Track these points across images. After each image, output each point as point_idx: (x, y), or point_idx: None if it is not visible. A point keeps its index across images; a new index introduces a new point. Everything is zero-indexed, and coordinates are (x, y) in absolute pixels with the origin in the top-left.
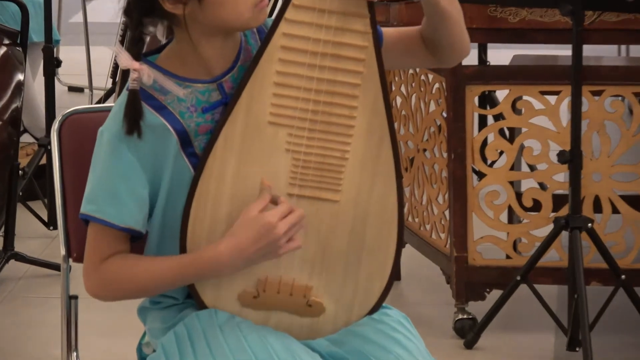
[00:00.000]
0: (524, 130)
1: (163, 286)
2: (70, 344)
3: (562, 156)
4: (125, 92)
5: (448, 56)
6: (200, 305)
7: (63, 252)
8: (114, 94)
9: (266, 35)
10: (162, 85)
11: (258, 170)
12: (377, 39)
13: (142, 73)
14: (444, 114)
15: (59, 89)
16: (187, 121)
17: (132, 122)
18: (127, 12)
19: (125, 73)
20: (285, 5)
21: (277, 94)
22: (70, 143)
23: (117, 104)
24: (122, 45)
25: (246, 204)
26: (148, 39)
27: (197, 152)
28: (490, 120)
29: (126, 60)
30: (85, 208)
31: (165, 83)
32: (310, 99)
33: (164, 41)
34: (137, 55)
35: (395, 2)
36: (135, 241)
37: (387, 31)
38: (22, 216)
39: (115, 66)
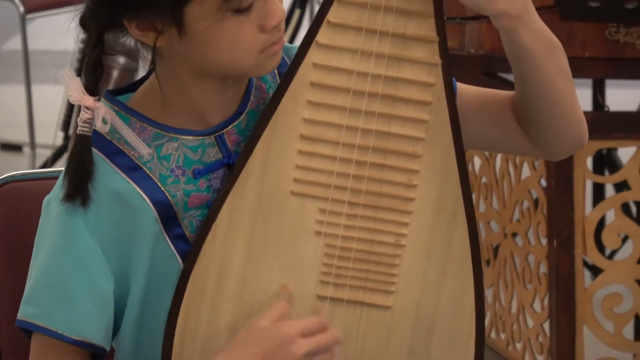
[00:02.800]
0: None
1: None
2: None
3: None
4: None
5: (548, 141)
6: None
7: None
8: (65, 153)
9: (290, 68)
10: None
11: (275, 261)
12: (449, 73)
13: (98, 113)
14: (543, 183)
15: None
16: (172, 188)
17: (76, 183)
18: (82, 22)
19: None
20: (317, 24)
21: (305, 152)
22: (4, 222)
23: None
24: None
25: (256, 310)
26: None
27: (186, 233)
28: (609, 191)
29: (76, 93)
30: (24, 312)
31: (124, 131)
32: (351, 160)
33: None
34: (92, 87)
35: (473, 19)
36: None
37: (462, 87)
38: None
39: (68, 113)
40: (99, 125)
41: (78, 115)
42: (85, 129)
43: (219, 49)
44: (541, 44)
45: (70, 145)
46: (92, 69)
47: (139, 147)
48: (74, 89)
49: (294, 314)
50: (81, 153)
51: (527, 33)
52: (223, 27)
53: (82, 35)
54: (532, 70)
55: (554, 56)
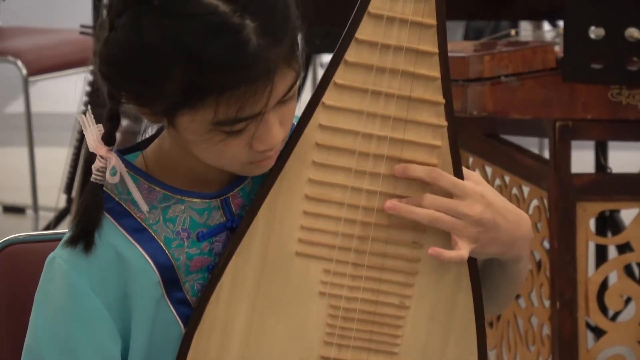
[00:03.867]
0: None
1: None
2: None
3: None
4: None
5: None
6: None
7: None
8: (68, 216)
9: (295, 129)
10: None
11: (279, 322)
12: (455, 136)
13: (109, 163)
14: (546, 244)
15: None
16: (175, 252)
17: (82, 228)
18: (105, 76)
19: (86, 180)
20: (323, 86)
21: (310, 213)
22: (9, 285)
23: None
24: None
25: None
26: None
27: (187, 297)
28: (612, 252)
29: (93, 141)
30: None
31: (129, 184)
32: (356, 221)
33: None
34: (108, 137)
35: (476, 81)
36: None
37: None
38: None
39: (71, 176)
40: (108, 176)
41: (81, 178)
42: (98, 177)
43: (205, 154)
44: (523, 270)
45: (73, 207)
46: (108, 118)
47: (140, 202)
48: (91, 135)
49: None
50: (91, 200)
51: (519, 265)
52: (211, 139)
53: (87, 88)
54: (503, 282)
55: (523, 277)
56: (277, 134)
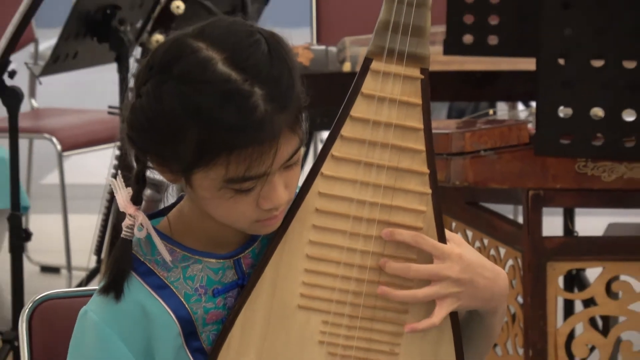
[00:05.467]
0: (621, 319)
1: None
2: None
3: None
4: None
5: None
6: None
7: None
8: (98, 275)
9: (297, 196)
10: (164, 259)
11: None
12: (439, 202)
13: (136, 221)
14: (520, 299)
15: (29, 269)
16: (194, 306)
17: (115, 278)
18: (131, 139)
19: (114, 243)
20: (322, 157)
21: (310, 270)
22: (43, 337)
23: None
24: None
25: None
26: (149, 192)
27: (204, 346)
28: (578, 306)
29: (123, 201)
30: None
31: (158, 244)
32: (351, 278)
33: None
34: (135, 197)
35: (458, 156)
36: None
37: None
38: None
39: (101, 240)
40: (135, 231)
41: (110, 240)
42: (127, 233)
43: (216, 211)
44: (498, 324)
45: (103, 267)
46: (135, 181)
47: (164, 253)
48: (121, 196)
49: None
50: (121, 254)
51: (496, 317)
52: (222, 196)
53: (117, 153)
54: (479, 335)
55: (498, 330)
56: (282, 194)
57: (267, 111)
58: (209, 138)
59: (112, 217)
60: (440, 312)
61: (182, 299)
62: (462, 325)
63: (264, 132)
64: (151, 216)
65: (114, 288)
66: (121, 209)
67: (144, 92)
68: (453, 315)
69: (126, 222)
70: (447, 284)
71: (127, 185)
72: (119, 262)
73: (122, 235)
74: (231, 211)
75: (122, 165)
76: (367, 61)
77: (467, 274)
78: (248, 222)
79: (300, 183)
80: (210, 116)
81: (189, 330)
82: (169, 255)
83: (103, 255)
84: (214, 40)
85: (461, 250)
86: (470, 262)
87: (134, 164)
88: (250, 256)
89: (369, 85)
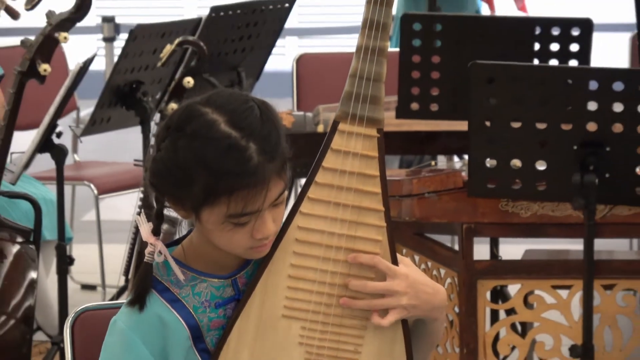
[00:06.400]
0: (535, 324)
1: None
2: None
3: (574, 351)
4: None
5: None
6: None
7: None
8: (126, 291)
9: (281, 229)
10: (177, 279)
11: None
12: (392, 233)
13: (155, 248)
14: (456, 309)
15: (72, 287)
16: (200, 316)
17: (139, 293)
18: (152, 184)
19: (138, 266)
20: (300, 198)
21: (292, 287)
22: (83, 340)
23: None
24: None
25: None
26: (165, 227)
27: (208, 347)
28: (502, 314)
29: (146, 233)
30: None
31: (173, 267)
32: (324, 292)
33: None
34: (156, 230)
35: (407, 197)
36: None
37: None
38: None
39: (129, 263)
40: (155, 257)
41: (137, 264)
42: (149, 258)
43: (219, 240)
44: (438, 332)
45: (130, 285)
46: (155, 217)
47: (178, 273)
48: (144, 229)
49: None
50: (145, 275)
51: (437, 324)
52: (224, 229)
53: (140, 196)
54: (423, 341)
55: (439, 338)
56: (271, 227)
57: (260, 161)
58: (214, 182)
59: (137, 246)
60: (390, 318)
61: (191, 310)
62: (411, 330)
63: (257, 177)
64: (167, 245)
65: (138, 301)
66: (144, 239)
67: (163, 147)
68: (404, 322)
69: (148, 249)
70: (397, 297)
71: (148, 221)
72: (143, 281)
73: (145, 260)
74: (231, 240)
75: (144, 205)
76: (335, 123)
77: (412, 290)
78: (243, 249)
79: (284, 219)
80: (215, 165)
81: (196, 335)
82: (182, 276)
83: (130, 275)
84: (217, 106)
85: (408, 271)
86: (415, 280)
87: (154, 204)
88: (244, 276)
89: (337, 142)
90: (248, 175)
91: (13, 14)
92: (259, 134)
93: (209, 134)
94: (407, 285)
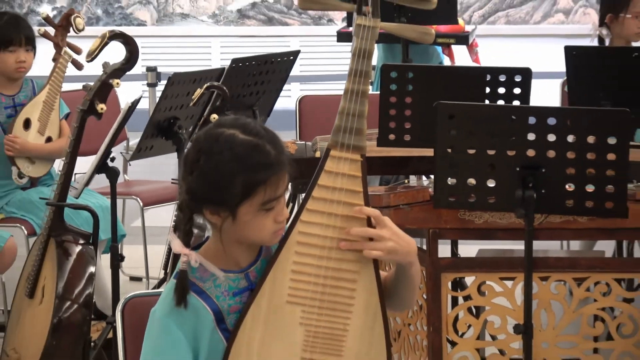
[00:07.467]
0: (487, 308)
1: None
2: None
3: (517, 329)
4: (172, 281)
5: (396, 305)
6: None
7: None
8: (165, 282)
9: (286, 232)
10: (201, 275)
11: (279, 341)
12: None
13: (191, 257)
14: (425, 296)
15: (122, 279)
16: (221, 303)
17: (181, 295)
18: (180, 208)
19: (174, 263)
20: (300, 209)
21: (294, 279)
22: (131, 320)
23: (165, 290)
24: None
25: None
26: (196, 232)
27: (228, 327)
28: (460, 300)
29: (179, 247)
30: None
31: (209, 267)
32: (319, 283)
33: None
34: (187, 243)
35: (386, 208)
36: None
37: None
38: None
39: (167, 259)
40: (192, 263)
41: (173, 261)
42: (184, 266)
43: (252, 230)
44: (416, 275)
45: (168, 277)
46: (186, 233)
47: (217, 273)
48: (176, 243)
49: None
50: (182, 279)
51: (413, 269)
52: (256, 217)
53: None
54: (406, 285)
55: (417, 281)
56: (286, 212)
57: (275, 154)
58: (251, 177)
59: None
60: (377, 254)
61: (214, 299)
62: (393, 280)
63: (279, 166)
64: (198, 245)
65: (182, 300)
66: (176, 252)
67: (197, 167)
68: (382, 306)
69: (182, 258)
70: (383, 242)
71: (183, 229)
72: (182, 284)
73: (180, 268)
74: (262, 227)
75: (176, 227)
76: (328, 150)
77: (395, 237)
78: (269, 234)
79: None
80: (248, 163)
81: (219, 318)
82: (220, 272)
83: (168, 269)
84: (228, 125)
85: (391, 224)
86: (396, 231)
87: (184, 226)
88: (255, 271)
89: (329, 165)
90: (272, 166)
91: (77, 66)
92: (266, 136)
93: (235, 142)
94: (392, 234)
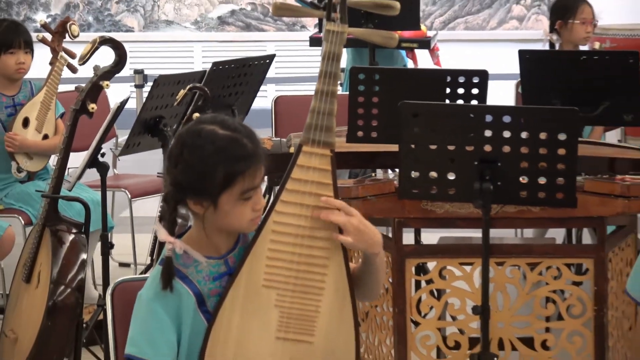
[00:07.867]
0: (447, 291)
1: None
2: None
3: (475, 310)
4: (157, 267)
5: (363, 294)
6: None
7: None
8: (151, 267)
9: (262, 222)
10: (184, 261)
11: (256, 322)
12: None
13: (175, 245)
14: (390, 280)
15: (112, 265)
16: (203, 287)
17: (167, 280)
18: (165, 200)
19: (160, 250)
20: (275, 200)
21: (269, 265)
22: (121, 303)
23: (151, 275)
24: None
25: (248, 350)
26: (180, 221)
27: (209, 310)
28: (423, 284)
29: (164, 235)
30: (129, 350)
31: (192, 253)
32: (293, 268)
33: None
34: (171, 232)
35: (354, 199)
36: None
37: None
38: (85, 357)
39: (153, 247)
40: (177, 250)
41: (159, 249)
42: (169, 253)
43: (232, 218)
44: (381, 266)
45: (154, 263)
46: (171, 222)
47: (200, 258)
48: (162, 232)
49: (264, 345)
50: (168, 266)
51: (378, 259)
52: (235, 205)
53: (162, 204)
54: (373, 271)
55: (383, 271)
56: (263, 201)
57: (252, 147)
58: (231, 167)
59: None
60: (343, 237)
61: (196, 283)
62: (360, 271)
63: (256, 158)
64: (182, 233)
65: (168, 285)
66: (161, 240)
67: (181, 160)
68: (350, 287)
69: (167, 246)
70: (349, 218)
71: (168, 219)
72: (167, 270)
73: (166, 255)
74: (241, 215)
75: (161, 217)
76: (300, 146)
77: (361, 226)
78: (247, 222)
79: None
80: (229, 155)
81: (200, 301)
82: (202, 258)
83: (154, 256)
84: (208, 122)
85: (357, 213)
86: (362, 221)
87: (168, 215)
88: (233, 257)
89: (302, 159)
90: (250, 157)
91: (73, 69)
92: (244, 131)
93: (217, 137)
94: (358, 223)
